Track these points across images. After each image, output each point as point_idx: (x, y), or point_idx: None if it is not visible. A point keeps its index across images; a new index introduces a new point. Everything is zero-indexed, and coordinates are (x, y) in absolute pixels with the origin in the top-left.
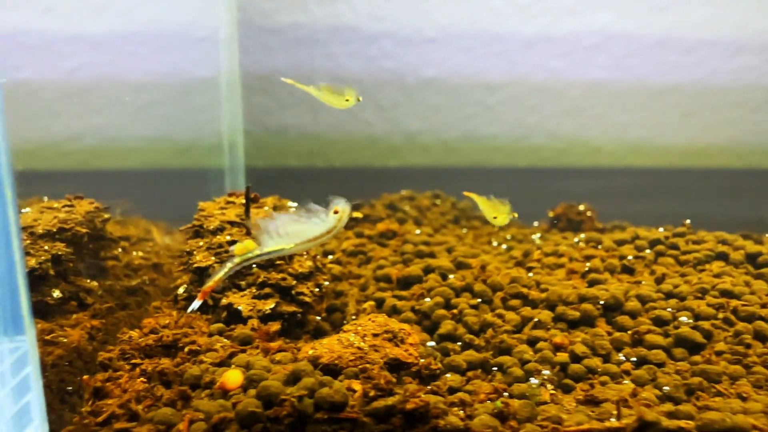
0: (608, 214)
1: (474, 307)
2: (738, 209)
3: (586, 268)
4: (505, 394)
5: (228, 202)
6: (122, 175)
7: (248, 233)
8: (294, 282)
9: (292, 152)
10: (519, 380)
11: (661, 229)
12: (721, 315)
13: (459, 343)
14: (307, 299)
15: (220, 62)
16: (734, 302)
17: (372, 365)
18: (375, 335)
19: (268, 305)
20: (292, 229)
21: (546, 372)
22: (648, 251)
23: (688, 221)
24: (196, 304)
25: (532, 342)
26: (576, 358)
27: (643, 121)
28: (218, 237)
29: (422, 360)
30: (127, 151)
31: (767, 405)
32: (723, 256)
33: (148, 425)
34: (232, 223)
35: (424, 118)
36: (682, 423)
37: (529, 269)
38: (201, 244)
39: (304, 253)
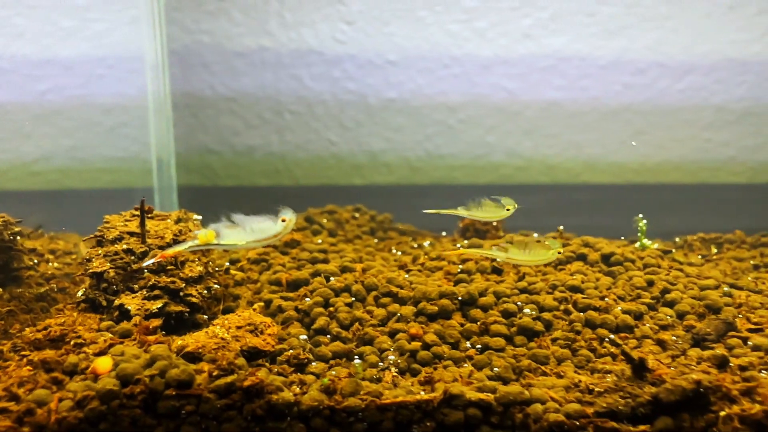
0: (553, 227)
1: (348, 305)
2: (684, 222)
3: (458, 270)
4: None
5: (133, 215)
6: (61, 195)
7: (143, 241)
8: (183, 285)
9: (258, 171)
10: (373, 366)
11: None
12: (562, 307)
13: (329, 336)
14: (194, 300)
15: (148, 84)
16: (577, 296)
17: (230, 352)
18: (239, 327)
19: (156, 305)
20: (243, 230)
21: (392, 357)
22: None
23: (561, 227)
24: (149, 261)
25: (392, 334)
26: (426, 346)
27: (598, 140)
28: (116, 245)
29: (291, 350)
30: (68, 171)
31: (573, 381)
32: (582, 257)
33: (25, 404)
34: (130, 234)
35: (387, 137)
36: (483, 395)
37: (408, 272)
38: (100, 252)
39: (197, 259)
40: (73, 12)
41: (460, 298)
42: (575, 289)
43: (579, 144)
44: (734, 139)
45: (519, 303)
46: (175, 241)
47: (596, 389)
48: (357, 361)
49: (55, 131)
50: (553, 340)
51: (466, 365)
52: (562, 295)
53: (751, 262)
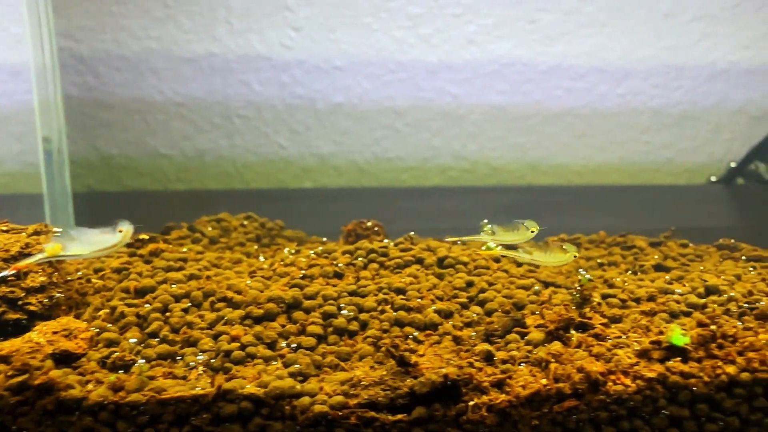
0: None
1: (185, 310)
2: (623, 222)
3: (301, 275)
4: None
5: None
6: None
7: None
8: (23, 294)
9: (209, 175)
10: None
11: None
12: (380, 308)
13: (157, 339)
14: (33, 308)
15: (34, 90)
16: (398, 297)
17: (39, 355)
18: (55, 332)
19: None
20: (87, 241)
21: (200, 357)
22: (362, 259)
23: (412, 233)
24: (5, 273)
25: (216, 335)
26: (242, 347)
27: (541, 143)
28: None
29: (118, 353)
30: None
31: (351, 378)
32: (420, 261)
33: None
34: None
35: (335, 141)
36: (254, 390)
37: (252, 277)
38: None
39: (41, 270)
40: None
41: (286, 301)
42: (399, 291)
43: (523, 147)
44: (672, 141)
45: (342, 305)
46: (22, 254)
47: (363, 382)
48: (142, 361)
49: None
50: (366, 338)
51: (275, 363)
52: (384, 296)
53: (598, 260)
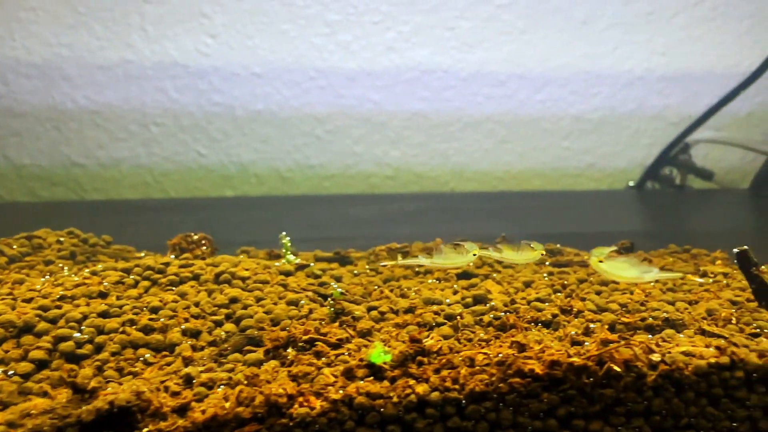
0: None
1: None
2: (545, 227)
3: (59, 295)
4: None
5: None
6: None
7: None
8: None
9: (127, 184)
10: None
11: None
12: (122, 329)
13: None
14: None
15: None
16: (146, 317)
17: None
18: None
19: None
20: None
21: None
22: (135, 277)
23: (205, 248)
24: None
25: None
26: None
27: (463, 149)
28: None
29: None
30: None
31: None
32: (197, 277)
33: None
34: None
35: (256, 148)
36: None
37: (3, 299)
38: None
39: None
40: None
41: (17, 325)
42: (154, 310)
43: (445, 153)
44: (593, 147)
45: (83, 327)
46: None
47: (33, 411)
48: None
49: None
50: (94, 362)
51: None
52: (133, 317)
53: (416, 269)
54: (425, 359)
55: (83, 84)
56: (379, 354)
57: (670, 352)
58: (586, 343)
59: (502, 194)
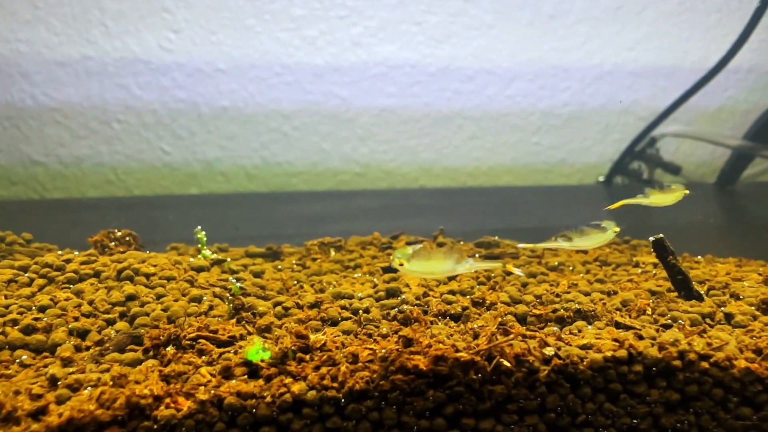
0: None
1: None
2: (514, 222)
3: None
4: None
5: None
6: None
7: None
8: None
9: (89, 182)
10: None
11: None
12: (1, 329)
13: None
14: None
15: None
16: (30, 316)
17: None
18: None
19: None
20: None
21: None
22: (31, 275)
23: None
24: None
25: None
26: None
27: (432, 145)
28: None
29: None
30: None
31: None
32: (98, 274)
33: None
34: None
35: (222, 146)
36: None
37: None
38: None
39: None
40: None
41: None
42: (42, 309)
43: (414, 149)
44: (563, 142)
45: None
46: None
47: None
48: None
49: None
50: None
51: None
52: (17, 317)
53: (345, 264)
54: (306, 356)
55: (42, 81)
56: (256, 351)
57: (570, 344)
58: (480, 336)
59: (471, 190)
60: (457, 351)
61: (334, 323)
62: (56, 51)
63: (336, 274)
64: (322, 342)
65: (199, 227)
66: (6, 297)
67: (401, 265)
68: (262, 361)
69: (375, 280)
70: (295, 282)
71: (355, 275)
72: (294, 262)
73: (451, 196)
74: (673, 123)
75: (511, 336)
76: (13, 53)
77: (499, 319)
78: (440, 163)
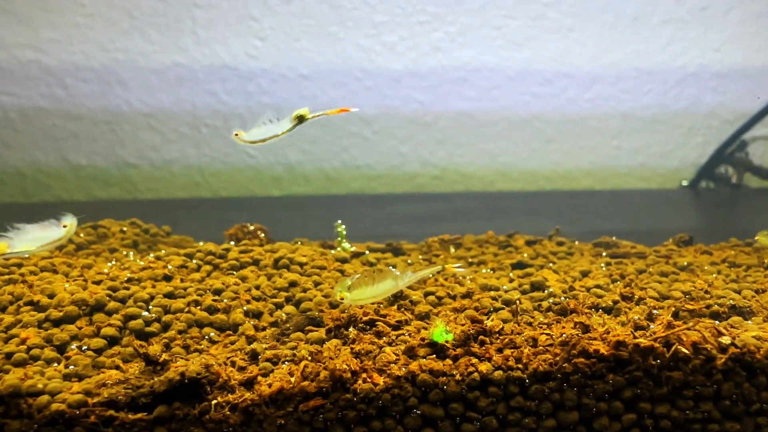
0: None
1: None
2: (593, 225)
3: (127, 278)
4: None
5: None
6: None
7: None
8: None
9: (178, 184)
10: None
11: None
12: (186, 309)
13: None
14: None
15: None
16: (210, 298)
17: None
18: None
19: None
20: (33, 236)
21: None
22: (197, 261)
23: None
24: None
25: (8, 339)
26: (27, 349)
27: (509, 148)
28: None
29: None
30: None
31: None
32: (256, 262)
33: None
34: None
35: (304, 149)
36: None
37: (75, 280)
38: None
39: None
40: None
41: (89, 304)
42: (216, 292)
43: (491, 153)
44: (643, 146)
45: (150, 307)
46: None
47: (108, 382)
48: None
49: None
50: (162, 340)
51: (57, 364)
52: (197, 298)
53: (469, 260)
54: (487, 339)
55: (137, 87)
56: (441, 333)
57: (739, 336)
58: (652, 327)
59: (549, 193)
60: (635, 337)
61: (488, 313)
62: (150, 59)
63: (461, 269)
64: (500, 327)
65: (339, 221)
66: (182, 280)
67: (342, 299)
68: (447, 342)
69: (510, 275)
70: (429, 276)
71: (483, 270)
72: (420, 257)
73: (528, 199)
74: (763, 126)
75: (690, 323)
76: (111, 61)
77: (672, 309)
78: (517, 167)
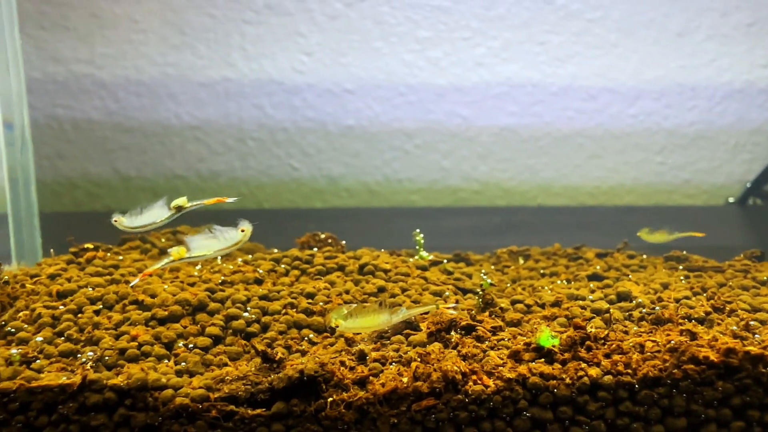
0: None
1: (96, 312)
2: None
3: (221, 280)
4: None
5: None
6: None
7: None
8: None
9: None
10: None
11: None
12: (283, 310)
13: (63, 338)
14: None
15: None
16: (305, 301)
17: None
18: None
19: None
20: (209, 242)
21: (91, 353)
22: (285, 266)
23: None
24: (135, 281)
25: (119, 335)
26: (138, 346)
27: (551, 163)
28: None
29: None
30: None
31: (228, 372)
32: (342, 268)
33: None
34: None
35: (346, 163)
36: (118, 381)
37: (172, 281)
38: None
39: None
40: None
41: (192, 304)
42: (309, 296)
43: (533, 168)
44: (688, 162)
45: (249, 308)
46: None
47: (228, 377)
48: (14, 351)
49: None
50: (263, 340)
51: (167, 361)
52: (292, 300)
53: (541, 271)
54: (593, 345)
55: (186, 101)
56: (547, 337)
57: None
58: (756, 336)
59: (592, 209)
60: (744, 345)
61: (572, 320)
62: (200, 73)
63: (535, 279)
64: (605, 333)
65: (418, 230)
66: (273, 284)
67: (336, 326)
68: (553, 347)
69: (591, 285)
70: (507, 285)
71: (557, 282)
72: (492, 267)
73: (571, 214)
74: None
75: None
76: (162, 75)
77: (757, 324)
78: (559, 182)
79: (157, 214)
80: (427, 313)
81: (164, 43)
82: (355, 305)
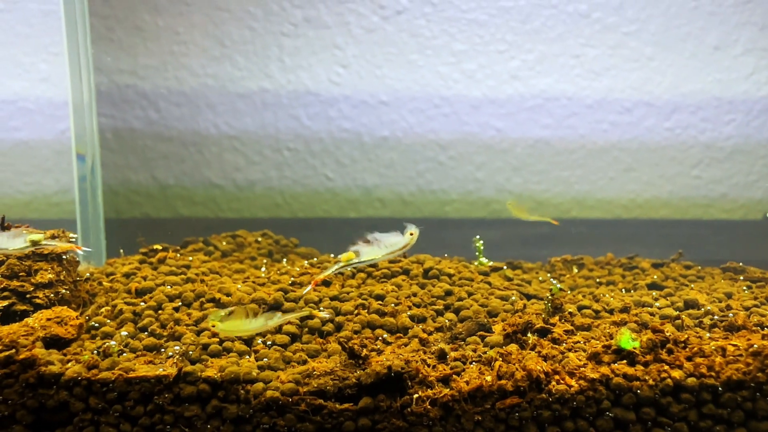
0: (544, 257)
1: (176, 308)
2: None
3: (290, 281)
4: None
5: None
6: None
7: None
8: (32, 288)
9: (259, 204)
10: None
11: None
12: (356, 311)
13: (146, 333)
14: (39, 301)
15: (71, 125)
16: (375, 302)
17: (33, 337)
18: (48, 319)
19: (2, 304)
20: (373, 249)
21: (177, 347)
22: (351, 269)
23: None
24: (307, 289)
25: (200, 332)
26: (220, 342)
27: (586, 176)
28: None
29: (105, 343)
30: None
31: (308, 370)
32: (407, 272)
33: None
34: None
35: (380, 173)
36: (211, 373)
37: (244, 282)
38: None
39: (50, 268)
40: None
41: (268, 302)
42: (378, 297)
43: (567, 180)
44: (725, 176)
45: (322, 308)
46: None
47: (315, 372)
48: (112, 342)
49: None
50: (338, 338)
51: (248, 357)
52: (363, 301)
53: (597, 280)
54: (674, 347)
55: (224, 111)
56: (628, 340)
57: None
58: None
59: (627, 222)
60: None
61: (645, 326)
62: (238, 84)
63: (591, 287)
64: (685, 336)
65: (478, 236)
66: (342, 286)
67: (213, 326)
68: (634, 349)
69: (654, 294)
70: (567, 291)
71: (615, 290)
72: (548, 276)
73: (606, 227)
74: None
75: None
76: (202, 86)
77: None
78: (594, 195)
79: (11, 242)
80: (308, 317)
81: (205, 55)
82: (233, 309)
